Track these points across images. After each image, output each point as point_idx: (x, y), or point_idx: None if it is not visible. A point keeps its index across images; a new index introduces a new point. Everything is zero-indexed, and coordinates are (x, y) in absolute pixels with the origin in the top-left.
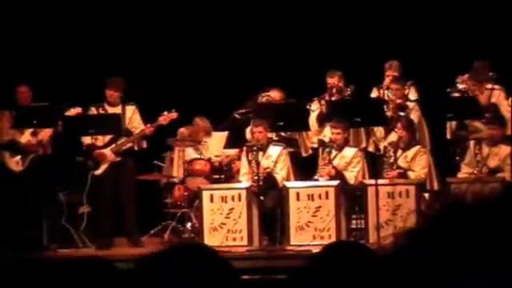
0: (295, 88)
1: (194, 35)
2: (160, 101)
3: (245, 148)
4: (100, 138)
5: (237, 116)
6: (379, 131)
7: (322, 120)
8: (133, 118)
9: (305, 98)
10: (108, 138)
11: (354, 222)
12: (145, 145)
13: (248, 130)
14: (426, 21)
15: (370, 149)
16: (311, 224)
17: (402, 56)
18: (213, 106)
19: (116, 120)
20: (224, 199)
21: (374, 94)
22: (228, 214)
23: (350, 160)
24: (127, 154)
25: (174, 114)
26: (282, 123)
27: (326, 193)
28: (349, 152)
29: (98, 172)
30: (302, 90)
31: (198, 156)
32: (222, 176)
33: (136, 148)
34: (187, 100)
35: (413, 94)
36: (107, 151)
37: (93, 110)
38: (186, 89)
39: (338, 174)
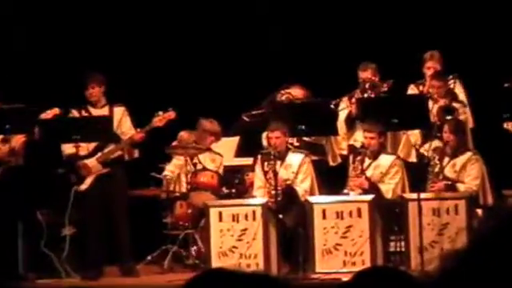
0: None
1: (193, 35)
2: (155, 102)
3: (259, 157)
4: (83, 145)
5: (246, 119)
6: (414, 135)
7: (352, 122)
8: (122, 121)
9: (331, 96)
10: (93, 145)
11: (392, 244)
12: (136, 154)
13: (264, 135)
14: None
15: (404, 156)
16: (340, 247)
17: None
18: (211, 105)
19: (105, 124)
20: (235, 218)
21: (412, 91)
22: (240, 235)
23: (386, 170)
24: (116, 165)
25: (171, 114)
26: (303, 126)
27: (358, 209)
28: (385, 160)
29: (83, 187)
30: (326, 88)
31: (212, 167)
32: (233, 190)
33: (126, 157)
34: (185, 100)
35: (458, 91)
36: (92, 162)
37: (74, 113)
38: (183, 89)
39: (373, 187)
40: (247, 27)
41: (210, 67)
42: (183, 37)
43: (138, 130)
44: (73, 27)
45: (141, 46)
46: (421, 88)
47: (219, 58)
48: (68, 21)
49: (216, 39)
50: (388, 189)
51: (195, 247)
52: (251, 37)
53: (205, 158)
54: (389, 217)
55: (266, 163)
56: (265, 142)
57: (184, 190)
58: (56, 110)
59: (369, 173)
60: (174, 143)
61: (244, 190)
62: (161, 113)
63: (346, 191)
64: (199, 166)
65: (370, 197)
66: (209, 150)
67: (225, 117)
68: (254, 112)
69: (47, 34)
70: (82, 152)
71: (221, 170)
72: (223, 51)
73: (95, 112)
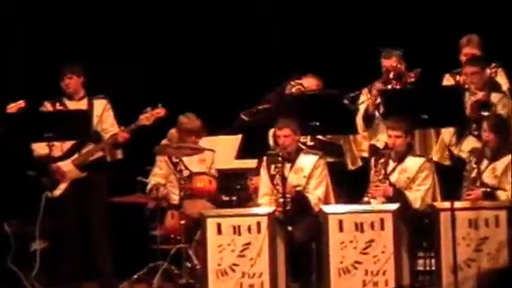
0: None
1: (193, 34)
2: (145, 97)
3: (265, 158)
4: (57, 144)
5: (244, 118)
6: (448, 134)
7: (370, 119)
8: (103, 116)
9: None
10: (68, 145)
11: (420, 261)
12: (120, 155)
13: (271, 133)
14: None
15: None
16: (360, 265)
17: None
18: (210, 106)
19: (83, 119)
20: (237, 230)
21: (448, 82)
22: (242, 250)
23: (414, 174)
24: (96, 168)
25: (160, 111)
26: (317, 123)
27: (381, 220)
28: (413, 163)
29: (56, 193)
30: (338, 84)
31: (203, 169)
32: (234, 197)
33: (108, 159)
34: (180, 100)
35: (502, 82)
36: (67, 164)
37: (47, 106)
38: (179, 88)
39: (398, 194)
40: (247, 27)
41: (209, 66)
42: (182, 35)
43: (122, 128)
44: (72, 26)
45: (136, 40)
46: (458, 78)
47: (219, 58)
48: (68, 20)
49: (216, 39)
50: (416, 197)
51: (189, 264)
52: (251, 37)
53: (191, 161)
54: (417, 230)
55: (272, 166)
56: (271, 141)
57: (174, 201)
58: (21, 103)
59: (393, 178)
60: (164, 141)
61: (247, 198)
62: (149, 109)
63: (366, 199)
64: (186, 173)
65: (394, 206)
66: (202, 150)
67: (224, 118)
68: (259, 107)
69: (47, 33)
70: (56, 152)
71: (213, 171)
72: (223, 51)
73: (72, 105)
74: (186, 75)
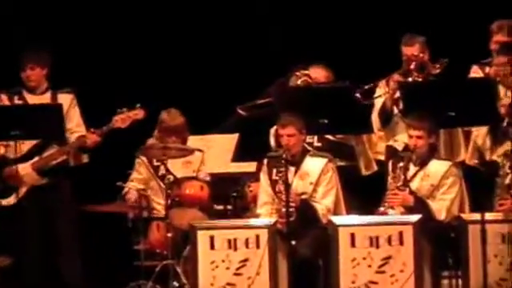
0: None
1: (192, 34)
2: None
3: (266, 161)
4: (12, 144)
5: (241, 112)
6: (481, 135)
7: (387, 116)
8: (69, 114)
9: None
10: (27, 145)
11: (445, 282)
12: (85, 159)
13: (272, 131)
14: None
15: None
16: (375, 285)
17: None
18: (209, 107)
19: (55, 114)
20: (233, 244)
21: (476, 75)
22: (239, 268)
23: (438, 181)
24: (59, 173)
25: (138, 112)
26: (326, 120)
27: (400, 234)
28: (437, 168)
29: (10, 201)
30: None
31: (191, 173)
32: (230, 206)
33: (72, 163)
34: (175, 100)
35: None
36: (25, 168)
37: (3, 100)
38: (172, 88)
39: (420, 204)
40: (247, 27)
41: (207, 67)
42: (179, 33)
43: (92, 130)
44: (73, 26)
45: (140, 45)
46: (487, 70)
47: (219, 58)
48: (68, 20)
49: (215, 39)
50: (440, 207)
51: (177, 284)
52: (251, 37)
53: (173, 164)
54: (441, 245)
55: (274, 170)
56: (273, 142)
57: (156, 211)
58: None
59: (414, 185)
60: (150, 141)
61: (244, 207)
62: (125, 110)
63: (382, 209)
64: (169, 178)
65: (415, 217)
66: (192, 152)
67: (223, 120)
68: (258, 102)
69: (48, 33)
70: (12, 154)
71: (203, 175)
72: (223, 51)
73: (32, 99)
74: (181, 74)
